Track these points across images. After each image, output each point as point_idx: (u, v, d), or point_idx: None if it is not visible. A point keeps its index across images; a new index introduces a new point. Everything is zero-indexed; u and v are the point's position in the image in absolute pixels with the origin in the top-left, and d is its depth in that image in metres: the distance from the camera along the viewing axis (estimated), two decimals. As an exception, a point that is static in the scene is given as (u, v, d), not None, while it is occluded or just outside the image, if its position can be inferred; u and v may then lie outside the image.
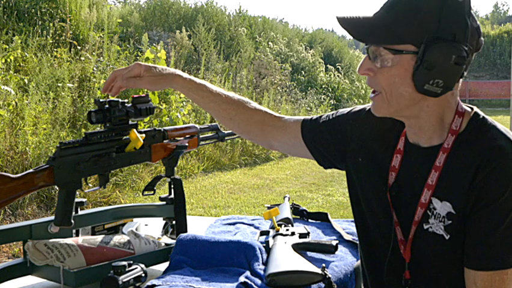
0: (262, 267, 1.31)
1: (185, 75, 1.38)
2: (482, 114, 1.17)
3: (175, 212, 1.56)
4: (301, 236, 1.49)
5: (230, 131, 1.74)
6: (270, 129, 1.42)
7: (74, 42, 7.76)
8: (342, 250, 1.51)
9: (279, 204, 1.83)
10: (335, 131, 1.35)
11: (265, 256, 1.38)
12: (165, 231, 1.67)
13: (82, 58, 7.35)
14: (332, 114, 1.39)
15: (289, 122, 1.42)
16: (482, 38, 1.13)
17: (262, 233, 1.60)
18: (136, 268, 1.25)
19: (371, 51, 1.12)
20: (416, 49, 1.07)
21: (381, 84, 1.12)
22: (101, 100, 1.33)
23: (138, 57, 8.01)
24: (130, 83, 1.33)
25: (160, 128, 1.50)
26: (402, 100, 1.12)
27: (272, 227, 1.60)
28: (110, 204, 5.10)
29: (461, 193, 1.10)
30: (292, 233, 1.50)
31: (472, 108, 1.18)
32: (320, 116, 1.41)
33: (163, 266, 1.40)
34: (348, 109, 1.38)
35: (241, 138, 1.70)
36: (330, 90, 13.09)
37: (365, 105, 1.35)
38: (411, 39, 1.07)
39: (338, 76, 14.03)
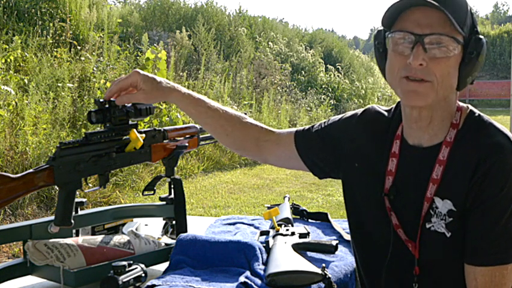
0: (262, 267, 1.31)
1: (183, 89, 1.36)
2: (477, 111, 1.18)
3: (175, 212, 1.56)
4: (301, 236, 1.49)
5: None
6: (265, 144, 1.41)
7: (74, 42, 7.76)
8: (342, 250, 1.51)
9: (279, 204, 1.83)
10: (328, 139, 1.35)
11: (265, 256, 1.38)
12: (165, 231, 1.67)
13: (82, 58, 7.35)
14: (324, 123, 1.39)
15: (282, 135, 1.41)
16: None
17: (262, 233, 1.60)
18: (136, 268, 1.25)
19: (430, 40, 1.07)
20: (463, 41, 1.09)
21: (434, 73, 1.09)
22: (101, 100, 1.32)
23: (138, 57, 8.01)
24: (123, 99, 1.30)
25: (160, 128, 1.50)
26: (448, 91, 1.13)
27: (272, 227, 1.60)
28: (110, 204, 5.10)
29: (461, 190, 1.11)
30: (292, 233, 1.50)
31: (467, 106, 1.19)
32: (313, 126, 1.40)
33: (163, 266, 1.40)
34: (340, 116, 1.38)
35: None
36: (330, 90, 13.09)
37: (357, 110, 1.35)
38: (465, 30, 1.09)
39: (338, 76, 14.03)
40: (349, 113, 1.37)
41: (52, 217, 1.32)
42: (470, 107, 1.19)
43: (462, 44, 1.09)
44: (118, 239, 1.42)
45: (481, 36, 1.10)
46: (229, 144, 1.44)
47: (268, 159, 1.45)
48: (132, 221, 1.70)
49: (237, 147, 1.44)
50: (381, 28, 1.17)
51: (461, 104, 1.19)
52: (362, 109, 1.34)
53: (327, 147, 1.35)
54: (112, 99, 1.32)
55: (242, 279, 1.23)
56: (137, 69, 1.33)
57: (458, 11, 1.08)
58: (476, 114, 1.17)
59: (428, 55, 1.08)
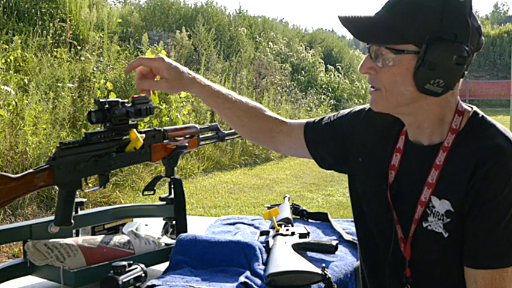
0: (262, 267, 1.31)
1: (203, 81, 1.38)
2: (481, 113, 1.17)
3: (175, 212, 1.56)
4: (301, 236, 1.49)
5: (230, 131, 1.75)
6: (278, 135, 1.44)
7: (74, 42, 7.76)
8: (342, 250, 1.51)
9: (279, 204, 1.83)
10: (336, 132, 1.36)
11: (265, 256, 1.38)
12: (165, 231, 1.67)
13: (82, 58, 7.35)
14: (334, 116, 1.40)
15: (294, 126, 1.44)
16: (483, 38, 1.14)
17: (262, 233, 1.60)
18: (136, 268, 1.25)
19: (373, 51, 1.13)
20: (417, 49, 1.08)
21: (382, 82, 1.13)
22: (101, 100, 1.32)
23: (138, 57, 8.00)
24: (145, 84, 1.32)
25: (160, 128, 1.50)
26: (403, 98, 1.13)
27: (272, 227, 1.59)
28: (110, 204, 5.10)
29: (460, 191, 1.10)
30: (292, 233, 1.50)
31: (471, 108, 1.18)
32: (322, 118, 1.42)
33: (163, 266, 1.40)
34: (349, 110, 1.39)
35: (241, 138, 1.72)
36: (330, 90, 13.09)
37: (365, 105, 1.35)
38: (412, 39, 1.08)
39: (338, 76, 14.03)
40: (357, 108, 1.38)
41: (52, 217, 1.32)
42: (475, 108, 1.18)
43: (412, 52, 1.08)
44: (118, 239, 1.42)
45: (442, 43, 1.06)
46: (244, 134, 1.48)
47: (280, 149, 1.48)
48: (132, 221, 1.70)
49: (252, 138, 1.49)
50: None
51: (465, 106, 1.17)
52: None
53: (334, 141, 1.36)
54: (112, 99, 1.32)
55: (242, 279, 1.23)
56: (163, 56, 1.33)
57: (407, 19, 1.08)
58: (479, 116, 1.16)
59: (377, 64, 1.12)
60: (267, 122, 1.45)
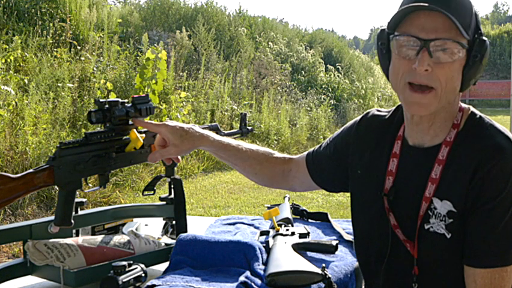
0: (262, 267, 1.31)
1: (211, 136, 1.38)
2: (478, 113, 1.19)
3: (175, 212, 1.56)
4: (301, 236, 1.49)
5: (230, 131, 1.75)
6: (289, 173, 1.46)
7: (74, 42, 7.76)
8: (342, 250, 1.51)
9: (279, 204, 1.82)
10: (333, 154, 1.38)
11: (265, 256, 1.38)
12: (165, 231, 1.67)
13: (82, 58, 7.35)
14: (330, 138, 1.42)
15: (298, 160, 1.46)
16: None
17: (262, 233, 1.60)
18: (136, 268, 1.25)
19: (436, 45, 1.07)
20: (467, 44, 1.09)
21: (439, 79, 1.08)
22: (101, 100, 1.32)
23: (138, 57, 8.01)
24: (156, 155, 1.33)
25: (160, 128, 1.50)
26: (452, 95, 1.13)
27: (272, 227, 1.59)
28: (110, 204, 5.10)
29: (461, 191, 1.11)
30: (292, 233, 1.50)
31: (468, 107, 1.20)
32: (321, 145, 1.44)
33: (163, 266, 1.40)
34: (341, 128, 1.41)
35: (241, 138, 1.72)
36: (330, 90, 13.07)
37: (356, 118, 1.37)
38: (469, 34, 1.09)
39: (338, 76, 14.02)
40: (349, 123, 1.39)
41: (52, 217, 1.32)
42: (472, 109, 1.19)
43: (466, 47, 1.09)
44: (118, 239, 1.42)
45: (484, 39, 1.10)
46: (258, 181, 1.49)
47: (295, 187, 1.50)
48: (132, 221, 1.70)
49: (266, 183, 1.50)
50: (384, 28, 1.17)
51: (463, 105, 1.19)
52: (360, 116, 1.36)
53: (333, 164, 1.38)
54: (112, 98, 1.33)
55: (242, 279, 1.23)
56: (167, 122, 1.34)
57: (463, 14, 1.08)
58: (477, 116, 1.17)
59: (433, 60, 1.07)
60: (278, 165, 1.46)
